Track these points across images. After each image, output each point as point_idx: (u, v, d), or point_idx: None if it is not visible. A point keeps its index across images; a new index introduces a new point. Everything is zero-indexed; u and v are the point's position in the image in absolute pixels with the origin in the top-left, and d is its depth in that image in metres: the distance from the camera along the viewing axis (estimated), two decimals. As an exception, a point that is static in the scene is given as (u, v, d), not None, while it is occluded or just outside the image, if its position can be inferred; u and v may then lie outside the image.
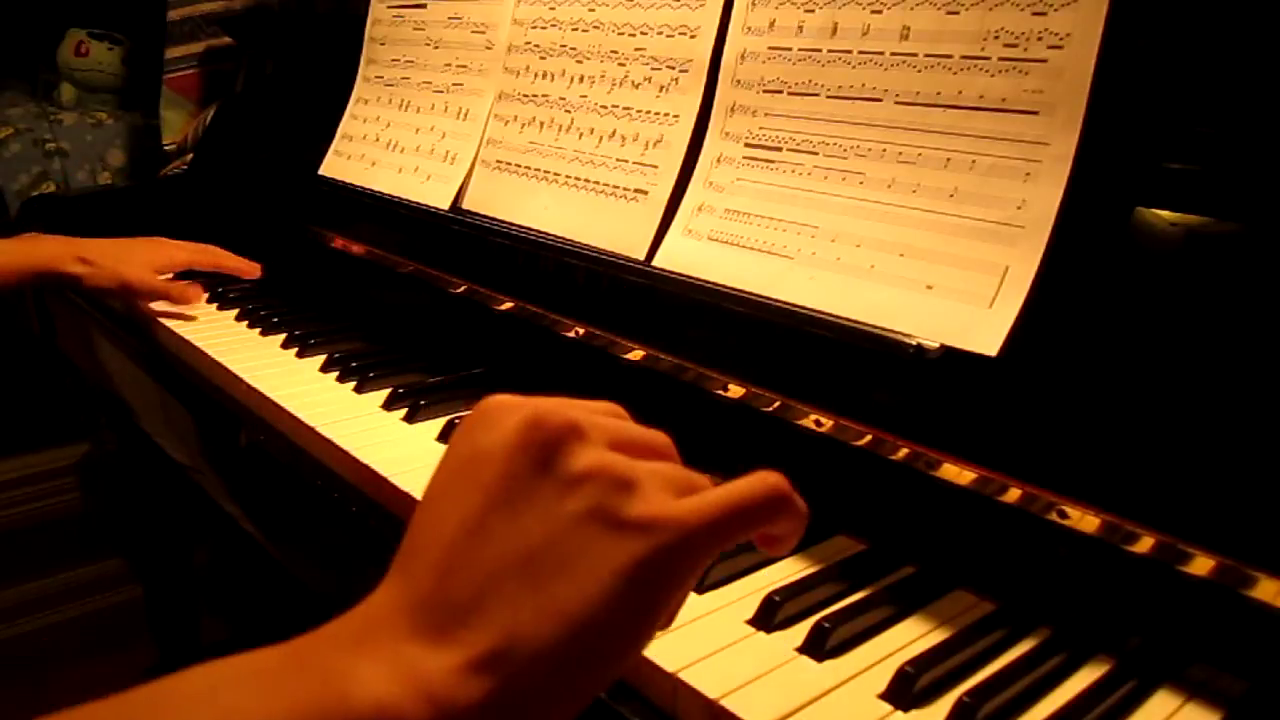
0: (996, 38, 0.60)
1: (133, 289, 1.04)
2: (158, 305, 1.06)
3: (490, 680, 0.31)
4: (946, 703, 0.47)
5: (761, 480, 0.35)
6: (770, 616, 0.53)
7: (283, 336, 0.96)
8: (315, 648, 0.32)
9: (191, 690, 0.30)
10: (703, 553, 0.33)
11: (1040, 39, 0.58)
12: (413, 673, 0.31)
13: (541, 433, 0.34)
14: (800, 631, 0.52)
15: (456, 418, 0.76)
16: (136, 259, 1.06)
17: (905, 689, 0.48)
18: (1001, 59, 0.60)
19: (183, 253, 1.12)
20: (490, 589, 0.32)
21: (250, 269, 1.16)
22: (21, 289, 1.10)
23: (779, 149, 0.72)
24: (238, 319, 1.03)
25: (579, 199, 0.85)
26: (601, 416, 0.36)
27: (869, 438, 0.60)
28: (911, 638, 0.53)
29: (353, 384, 0.85)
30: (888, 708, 0.48)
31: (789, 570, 0.58)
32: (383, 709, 0.30)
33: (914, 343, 0.60)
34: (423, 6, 1.08)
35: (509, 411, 0.35)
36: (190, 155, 1.52)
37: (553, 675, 0.31)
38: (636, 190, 0.80)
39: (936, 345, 0.59)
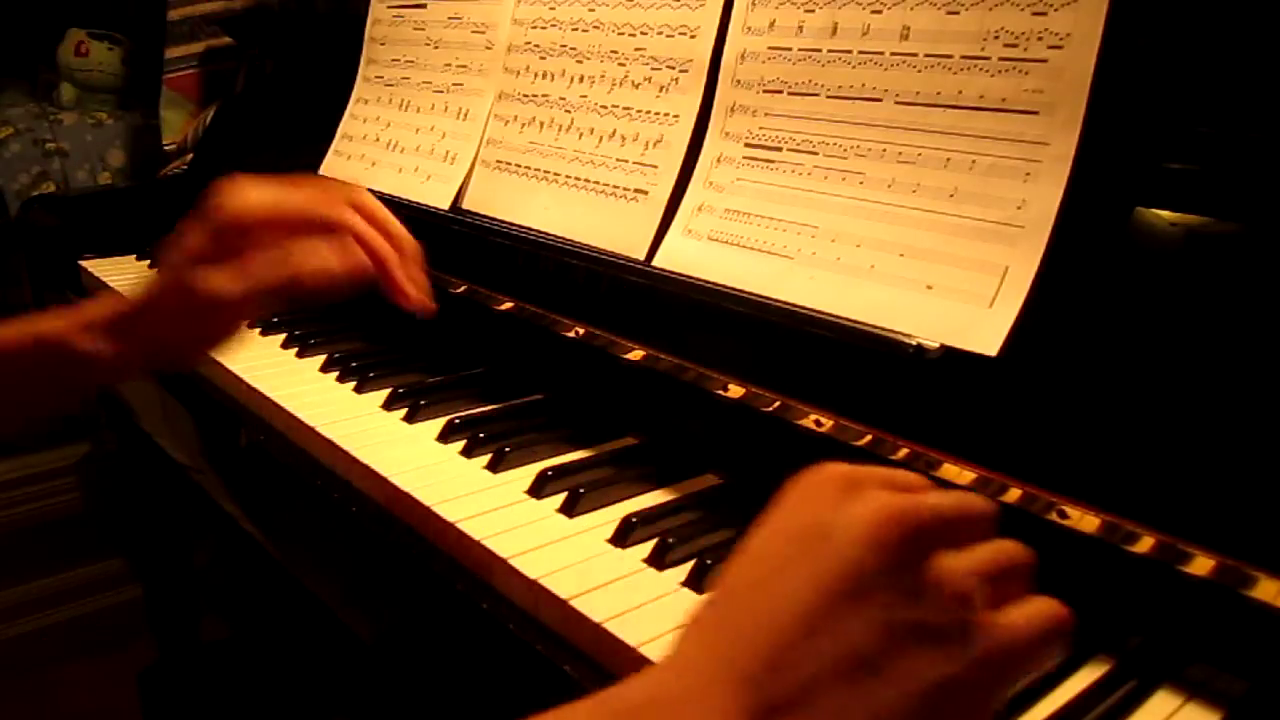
0: (996, 38, 0.60)
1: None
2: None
3: None
4: (946, 703, 0.47)
5: (1064, 612, 0.35)
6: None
7: (283, 336, 0.96)
8: (633, 716, 0.32)
9: None
10: (1020, 676, 0.34)
11: (1040, 39, 0.58)
12: None
13: (900, 534, 0.33)
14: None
15: (456, 417, 0.76)
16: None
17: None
18: (1001, 59, 0.60)
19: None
20: (818, 688, 0.32)
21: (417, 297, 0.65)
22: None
23: (779, 149, 0.72)
24: (238, 319, 1.03)
25: (579, 199, 0.85)
26: (945, 510, 0.35)
27: (869, 438, 0.60)
28: (911, 638, 0.53)
29: (353, 384, 0.85)
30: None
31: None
32: None
33: (914, 343, 0.60)
34: (423, 6, 1.08)
35: (857, 491, 0.34)
36: (190, 155, 1.52)
37: None
38: (636, 190, 0.80)
39: (936, 345, 0.59)
